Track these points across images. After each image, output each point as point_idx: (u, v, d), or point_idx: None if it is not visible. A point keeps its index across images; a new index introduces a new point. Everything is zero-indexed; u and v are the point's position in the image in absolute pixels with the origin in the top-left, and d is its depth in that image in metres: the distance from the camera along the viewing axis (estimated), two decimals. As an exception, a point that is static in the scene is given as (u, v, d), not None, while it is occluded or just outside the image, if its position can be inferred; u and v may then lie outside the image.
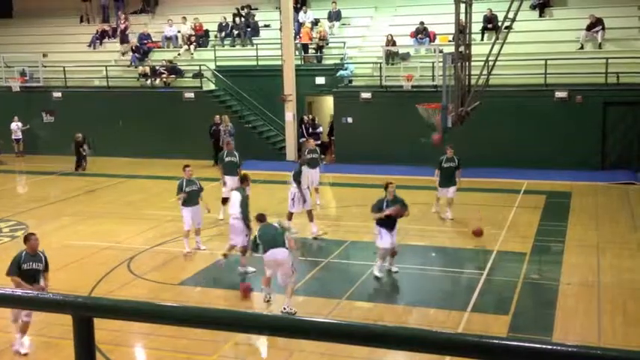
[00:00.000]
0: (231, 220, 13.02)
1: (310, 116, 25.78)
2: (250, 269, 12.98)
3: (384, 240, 12.47)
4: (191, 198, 14.15)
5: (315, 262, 13.72)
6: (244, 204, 12.86)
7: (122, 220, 17.54)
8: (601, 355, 1.66)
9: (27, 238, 10.06)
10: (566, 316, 10.84)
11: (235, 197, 13.09)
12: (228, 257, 13.18)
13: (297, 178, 15.29)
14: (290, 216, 15.41)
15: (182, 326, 2.13)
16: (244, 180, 13.60)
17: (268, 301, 11.65)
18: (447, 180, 16.71)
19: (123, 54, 28.79)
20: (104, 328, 8.80)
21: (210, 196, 18.42)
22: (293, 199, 15.29)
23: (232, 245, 13.09)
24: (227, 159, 17.15)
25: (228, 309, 2.18)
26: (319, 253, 14.41)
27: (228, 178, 16.93)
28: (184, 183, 14.25)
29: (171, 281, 12.88)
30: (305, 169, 15.94)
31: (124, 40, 29.03)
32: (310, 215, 15.43)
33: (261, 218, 11.78)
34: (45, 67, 28.58)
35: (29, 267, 9.81)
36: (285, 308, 11.05)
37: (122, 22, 29.38)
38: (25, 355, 9.95)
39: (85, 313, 2.09)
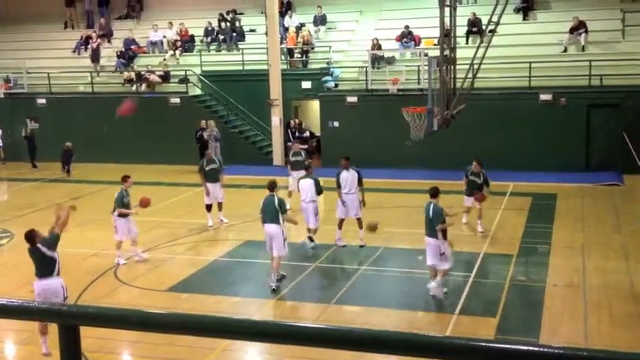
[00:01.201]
0: (304, 205, 14.72)
1: (297, 120, 25.80)
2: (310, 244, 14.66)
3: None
4: (127, 209, 14.07)
5: (302, 267, 13.70)
6: (319, 186, 14.59)
7: (108, 226, 17.31)
8: (587, 357, 1.67)
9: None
10: (553, 317, 10.89)
11: (308, 183, 14.71)
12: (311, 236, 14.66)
13: (338, 183, 15.00)
14: (340, 223, 14.99)
15: (169, 333, 2.13)
16: (309, 167, 15.54)
17: (274, 290, 12.19)
18: (470, 191, 15.68)
19: (97, 72, 28.34)
20: (91, 336, 8.74)
21: (196, 203, 18.37)
22: (343, 204, 15.00)
23: (309, 228, 14.73)
24: (208, 167, 17.05)
25: (216, 315, 2.17)
26: (307, 257, 14.38)
27: (210, 186, 16.86)
28: (124, 194, 14.02)
29: (158, 288, 12.82)
30: (292, 172, 16.87)
31: (95, 58, 28.33)
32: (359, 222, 14.93)
33: (270, 187, 12.91)
34: (29, 73, 28.40)
35: None
36: (271, 285, 12.29)
37: (94, 40, 28.85)
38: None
39: (70, 321, 2.08)
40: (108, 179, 23.60)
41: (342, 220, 14.95)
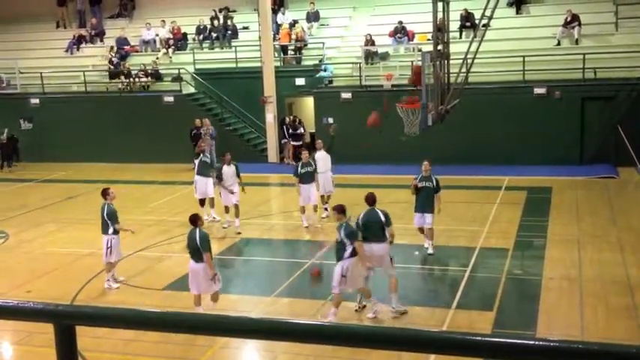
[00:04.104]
0: (325, 175, 16.58)
1: (291, 117, 25.74)
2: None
3: None
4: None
5: (299, 264, 13.70)
6: None
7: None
8: (583, 349, 1.67)
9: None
10: (550, 310, 10.92)
11: (324, 156, 16.82)
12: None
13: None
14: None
15: (166, 332, 2.12)
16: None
17: (357, 310, 11.10)
18: (423, 204, 13.60)
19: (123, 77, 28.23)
20: (88, 335, 8.73)
21: (192, 201, 18.35)
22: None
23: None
24: (204, 159, 17.28)
25: (213, 313, 2.17)
26: (303, 254, 14.39)
27: (201, 180, 16.98)
28: (114, 208, 12.79)
29: (155, 286, 12.80)
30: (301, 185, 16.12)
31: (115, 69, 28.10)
32: (237, 210, 16.17)
33: (371, 201, 11.23)
34: (22, 73, 28.30)
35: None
36: (393, 308, 10.85)
37: (113, 54, 28.02)
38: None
39: (66, 322, 2.07)
40: (102, 178, 23.58)
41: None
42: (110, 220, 12.52)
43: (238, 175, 16.43)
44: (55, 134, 26.91)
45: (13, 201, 21.24)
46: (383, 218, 11.00)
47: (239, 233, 16.02)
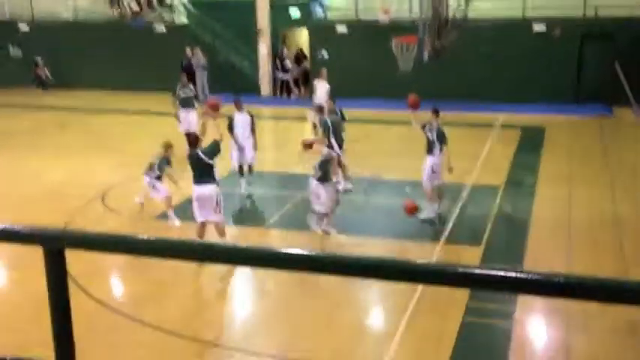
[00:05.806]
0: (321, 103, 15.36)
1: (285, 50, 25.40)
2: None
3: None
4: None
5: (290, 196, 13.76)
6: None
7: (95, 154, 17.35)
8: (563, 282, 1.67)
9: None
10: (537, 247, 11.05)
11: (324, 86, 17.35)
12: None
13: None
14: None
15: (157, 257, 2.11)
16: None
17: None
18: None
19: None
20: (82, 261, 8.82)
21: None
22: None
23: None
24: (182, 93, 16.95)
25: (203, 241, 2.15)
26: (293, 187, 14.41)
27: (184, 112, 16.90)
28: (165, 162, 12.60)
29: (147, 215, 12.84)
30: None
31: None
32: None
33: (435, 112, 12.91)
34: (10, -3, 27.73)
35: None
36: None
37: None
38: None
39: (55, 245, 2.06)
40: (94, 107, 23.42)
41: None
42: (159, 169, 12.48)
43: (253, 130, 14.04)
44: (46, 61, 26.52)
45: (2, 127, 21.05)
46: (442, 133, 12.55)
47: (249, 197, 14.01)
